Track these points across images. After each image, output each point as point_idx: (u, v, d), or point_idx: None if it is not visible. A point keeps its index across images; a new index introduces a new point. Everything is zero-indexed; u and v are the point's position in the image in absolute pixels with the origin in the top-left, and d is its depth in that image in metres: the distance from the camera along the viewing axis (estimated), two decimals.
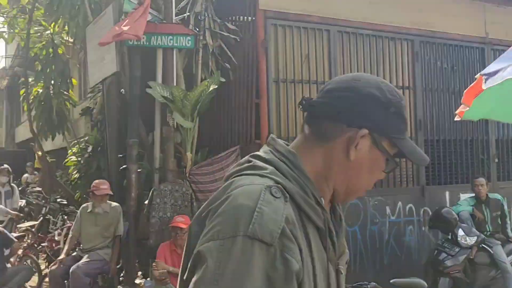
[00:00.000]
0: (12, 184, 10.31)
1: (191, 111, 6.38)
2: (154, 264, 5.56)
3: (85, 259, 6.01)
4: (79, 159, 10.35)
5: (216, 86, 6.43)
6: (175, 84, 6.59)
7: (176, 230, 5.66)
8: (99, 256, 6.12)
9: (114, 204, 6.44)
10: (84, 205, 6.55)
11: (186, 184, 6.45)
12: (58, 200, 10.09)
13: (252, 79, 6.92)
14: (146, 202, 6.58)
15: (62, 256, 6.22)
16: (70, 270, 5.82)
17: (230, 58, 7.21)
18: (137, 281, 6.85)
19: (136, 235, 6.70)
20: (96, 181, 6.50)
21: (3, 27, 10.96)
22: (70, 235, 6.43)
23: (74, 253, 6.31)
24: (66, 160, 11.77)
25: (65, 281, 6.11)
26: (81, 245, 6.36)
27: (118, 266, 6.51)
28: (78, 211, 6.49)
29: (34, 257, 7.64)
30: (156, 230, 6.29)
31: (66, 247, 6.32)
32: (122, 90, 7.32)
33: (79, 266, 5.86)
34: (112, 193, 6.49)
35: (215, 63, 7.34)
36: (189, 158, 6.47)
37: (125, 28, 5.97)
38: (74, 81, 11.53)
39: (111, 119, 7.28)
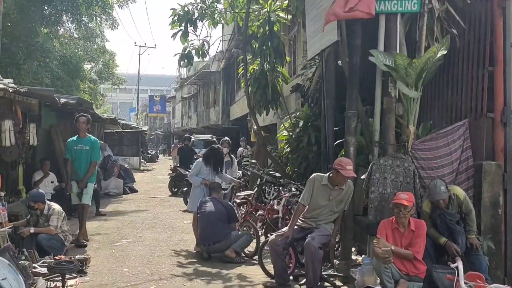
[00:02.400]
0: (232, 156, 11.07)
1: (415, 80, 5.89)
2: (375, 241, 5.31)
3: (317, 232, 5.84)
4: (291, 133, 10.61)
5: (445, 52, 5.84)
6: (398, 52, 6.15)
7: (399, 207, 5.31)
8: (327, 231, 5.94)
9: (350, 181, 6.03)
10: (315, 175, 6.13)
11: (408, 160, 6.02)
12: (271, 172, 10.48)
13: (484, 45, 6.19)
14: (363, 176, 6.34)
15: (288, 229, 6.03)
16: (306, 242, 5.72)
17: (457, 22, 6.51)
18: (352, 257, 6.68)
19: (352, 210, 6.53)
20: (342, 159, 5.96)
21: (224, 9, 11.62)
22: (297, 206, 6.14)
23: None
24: (278, 135, 12.23)
25: (285, 251, 6.19)
26: (305, 215, 6.11)
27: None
28: (310, 181, 6.07)
29: (254, 224, 8.03)
30: (376, 206, 6.01)
31: (292, 221, 6.09)
32: (339, 62, 7.14)
33: (314, 239, 5.72)
34: (356, 175, 6.07)
35: (440, 29, 6.70)
36: (412, 132, 6.00)
37: (353, 3, 5.73)
38: (287, 58, 11.81)
39: (328, 91, 7.15)
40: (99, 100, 29.84)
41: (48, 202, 7.35)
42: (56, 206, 7.33)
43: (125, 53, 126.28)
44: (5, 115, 7.98)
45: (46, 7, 14.54)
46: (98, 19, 20.68)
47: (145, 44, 67.48)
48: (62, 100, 9.94)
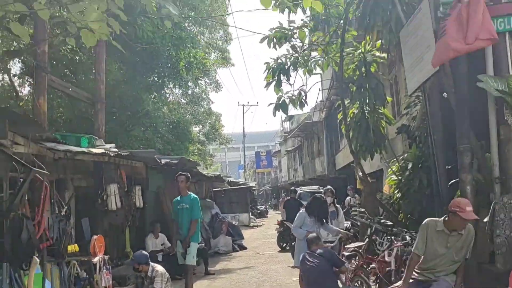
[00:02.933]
0: (337, 205, 10.53)
1: None
2: None
3: (436, 285, 5.12)
4: (400, 177, 9.95)
5: None
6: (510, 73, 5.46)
7: None
8: (448, 284, 5.18)
9: (470, 225, 5.25)
10: (428, 220, 5.41)
11: None
12: (382, 221, 9.79)
13: None
14: (486, 219, 5.56)
15: (402, 283, 5.36)
16: None
17: None
18: None
19: (475, 258, 5.70)
20: (460, 200, 5.25)
21: (318, 56, 11.44)
22: (411, 256, 5.46)
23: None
24: (386, 180, 11.54)
25: None
26: (421, 266, 5.40)
27: None
28: (423, 228, 5.40)
29: (365, 278, 7.36)
30: (504, 252, 5.20)
31: (407, 273, 5.41)
32: (445, 94, 6.52)
33: None
34: (477, 218, 5.28)
35: None
36: None
37: (475, 33, 5.10)
38: (388, 98, 11.26)
39: (435, 126, 6.52)
40: (208, 160, 30.70)
41: (151, 264, 7.32)
42: (159, 268, 7.26)
43: (229, 113, 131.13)
44: (111, 179, 8.27)
45: (150, 75, 15.45)
46: (202, 82, 21.58)
47: (247, 102, 69.69)
48: (164, 161, 10.18)
